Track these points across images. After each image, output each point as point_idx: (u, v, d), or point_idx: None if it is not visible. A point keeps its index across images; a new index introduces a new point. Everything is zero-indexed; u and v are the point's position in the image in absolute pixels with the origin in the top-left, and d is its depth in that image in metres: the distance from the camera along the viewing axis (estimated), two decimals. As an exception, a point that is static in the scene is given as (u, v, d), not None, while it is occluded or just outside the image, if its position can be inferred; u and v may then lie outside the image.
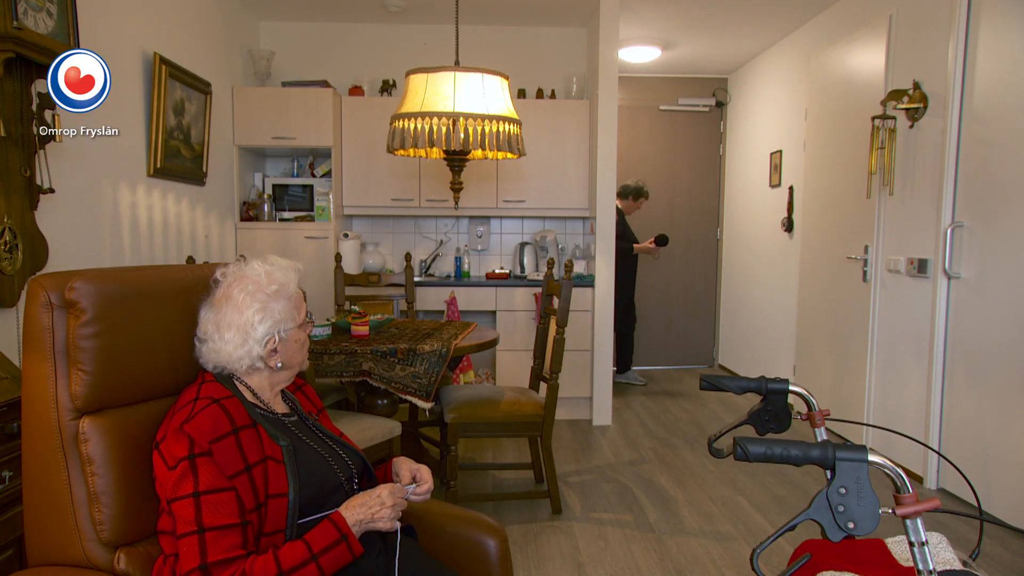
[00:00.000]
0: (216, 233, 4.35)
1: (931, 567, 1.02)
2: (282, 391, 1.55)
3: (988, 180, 3.22)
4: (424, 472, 1.54)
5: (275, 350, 1.44)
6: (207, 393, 1.35)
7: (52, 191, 2.49)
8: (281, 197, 4.88)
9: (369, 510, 1.36)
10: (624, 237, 5.40)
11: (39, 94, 2.31)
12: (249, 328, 1.40)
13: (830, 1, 4.56)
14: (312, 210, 4.84)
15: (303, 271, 1.54)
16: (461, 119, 2.85)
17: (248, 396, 1.43)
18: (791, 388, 1.50)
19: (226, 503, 1.24)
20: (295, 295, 1.48)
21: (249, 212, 4.73)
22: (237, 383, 1.43)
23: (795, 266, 5.06)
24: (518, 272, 5.19)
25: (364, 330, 3.20)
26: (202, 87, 3.96)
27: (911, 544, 1.02)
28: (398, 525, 1.40)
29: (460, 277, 5.16)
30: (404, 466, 1.56)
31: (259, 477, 1.29)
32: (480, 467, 3.86)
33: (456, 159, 3.15)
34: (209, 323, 1.41)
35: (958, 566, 1.29)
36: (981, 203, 3.25)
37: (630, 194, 5.67)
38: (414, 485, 1.49)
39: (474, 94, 2.91)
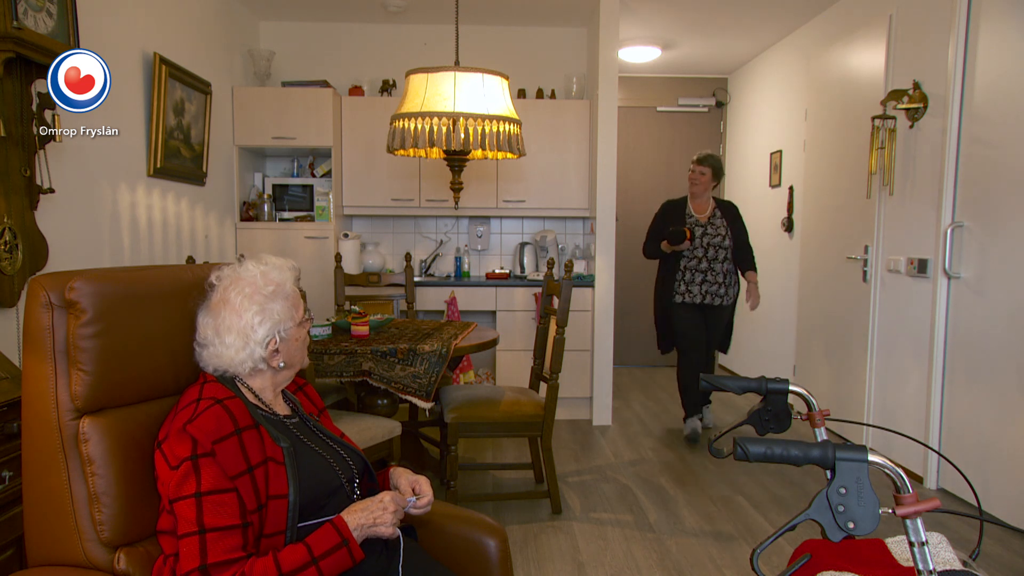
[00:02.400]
0: (216, 233, 4.35)
1: (931, 567, 1.02)
2: (283, 392, 1.54)
3: (988, 180, 3.22)
4: (423, 484, 1.53)
5: (277, 350, 1.44)
6: (210, 393, 1.35)
7: (52, 191, 2.49)
8: (281, 197, 4.88)
9: (371, 515, 1.35)
10: (657, 235, 4.31)
11: (39, 94, 2.32)
12: (249, 331, 1.39)
13: (830, 1, 4.56)
14: (312, 210, 4.84)
15: (299, 268, 1.53)
16: (461, 119, 2.86)
17: (250, 397, 1.43)
18: (791, 388, 1.50)
19: (228, 504, 1.24)
20: (292, 293, 1.47)
21: (249, 212, 4.73)
22: (239, 384, 1.43)
23: (795, 266, 5.07)
24: (518, 272, 5.19)
25: (364, 330, 3.20)
26: (202, 87, 3.96)
27: (911, 544, 1.02)
28: (399, 532, 1.40)
29: (460, 277, 5.16)
30: (403, 478, 1.55)
31: (260, 478, 1.29)
32: (480, 467, 3.86)
33: (456, 159, 3.15)
34: (208, 328, 1.41)
35: (958, 566, 1.29)
36: (981, 203, 3.25)
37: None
38: (414, 498, 1.49)
39: (474, 94, 2.91)
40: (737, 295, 4.39)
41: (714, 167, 4.32)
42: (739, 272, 4.35)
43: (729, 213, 4.34)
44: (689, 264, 4.25)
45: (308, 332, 1.55)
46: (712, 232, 4.24)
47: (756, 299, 4.32)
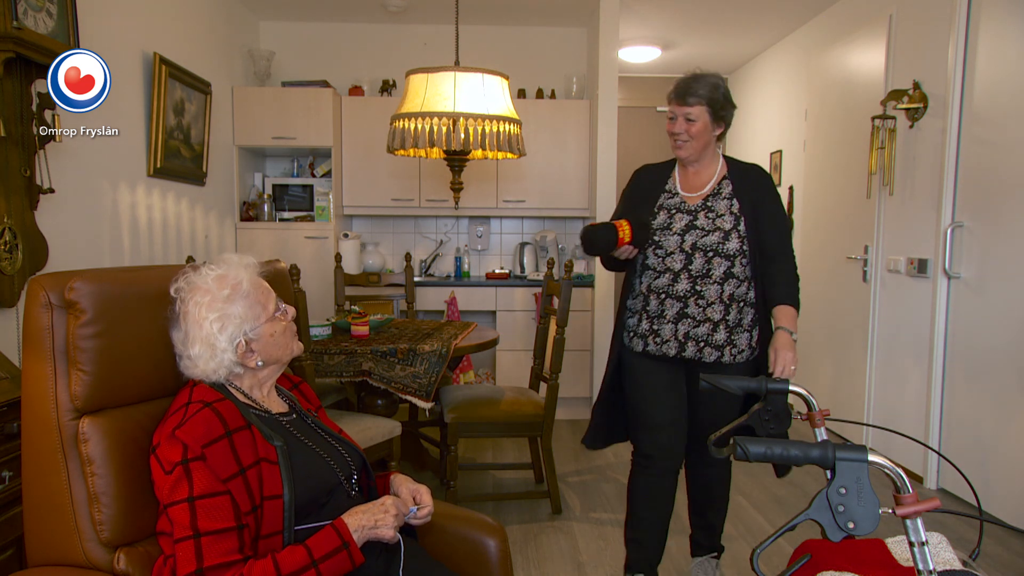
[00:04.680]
0: (216, 233, 4.35)
1: (931, 567, 1.02)
2: (279, 389, 1.54)
3: (988, 180, 3.22)
4: (424, 494, 1.52)
5: (251, 350, 1.41)
6: (199, 397, 1.34)
7: (52, 191, 2.49)
8: (281, 197, 4.88)
9: (372, 516, 1.35)
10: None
11: (39, 94, 2.32)
12: (213, 340, 1.37)
13: (830, 1, 4.56)
14: (312, 210, 4.84)
15: (259, 262, 1.49)
16: (461, 119, 2.86)
17: (240, 397, 1.42)
18: (791, 388, 1.50)
19: (221, 507, 1.23)
20: (253, 290, 1.43)
21: (249, 212, 4.73)
22: (228, 386, 1.42)
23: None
24: (518, 272, 5.19)
25: (364, 330, 3.20)
26: (202, 87, 3.96)
27: (911, 544, 1.02)
28: (399, 536, 1.40)
29: (460, 277, 5.16)
30: (404, 486, 1.54)
31: (254, 479, 1.29)
32: (480, 467, 3.86)
33: (456, 159, 3.15)
34: (178, 342, 1.40)
35: (958, 566, 1.29)
36: (981, 203, 3.25)
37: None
38: (415, 508, 1.49)
39: (474, 94, 2.91)
40: (758, 346, 2.29)
41: (712, 101, 2.23)
42: (759, 303, 2.27)
43: (750, 187, 2.28)
44: (657, 283, 2.27)
45: (291, 320, 1.50)
46: (705, 224, 2.24)
47: (787, 360, 2.12)
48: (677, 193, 2.35)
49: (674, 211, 2.31)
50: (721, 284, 2.23)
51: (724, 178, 2.32)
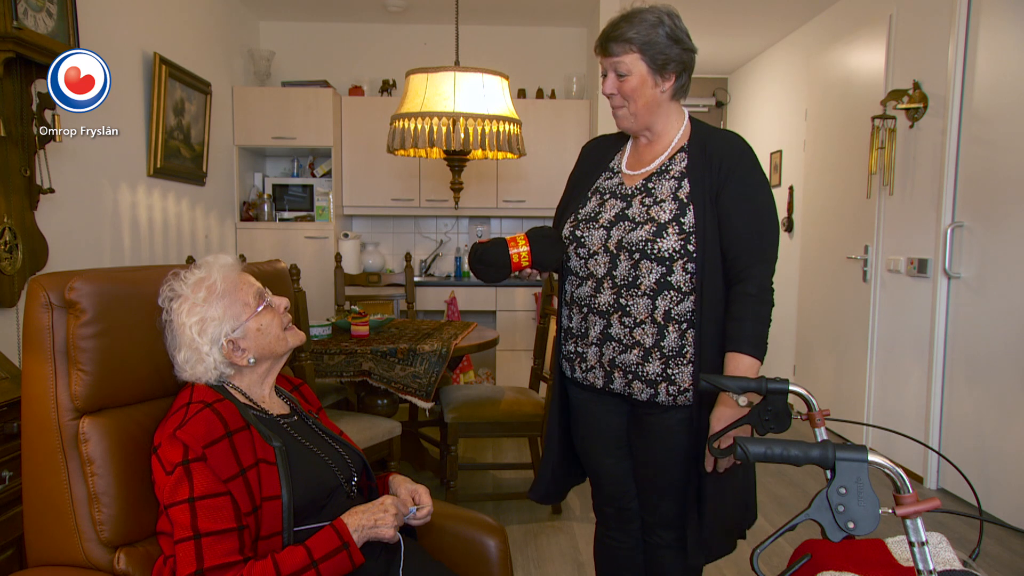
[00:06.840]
0: (216, 233, 4.35)
1: (931, 567, 1.02)
2: (279, 391, 1.54)
3: (988, 180, 3.22)
4: (423, 494, 1.52)
5: (240, 348, 1.40)
6: (199, 397, 1.35)
7: (52, 191, 2.49)
8: (281, 197, 4.88)
9: (372, 516, 1.35)
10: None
11: (39, 94, 2.32)
12: (195, 344, 1.37)
13: (830, 1, 4.56)
14: (312, 210, 4.84)
15: (234, 260, 1.48)
16: (461, 119, 2.86)
17: (240, 398, 1.41)
18: (791, 388, 1.50)
19: (222, 508, 1.23)
20: (231, 289, 1.41)
21: (249, 212, 4.73)
22: (227, 386, 1.42)
23: (795, 266, 5.07)
24: (518, 272, 5.19)
25: (364, 330, 3.20)
26: (202, 87, 3.96)
27: (911, 544, 1.02)
28: (399, 536, 1.40)
29: (460, 277, 5.16)
30: (403, 487, 1.54)
31: (253, 480, 1.29)
32: (480, 467, 3.86)
33: (456, 159, 3.15)
34: (169, 348, 1.41)
35: (958, 566, 1.29)
36: (981, 203, 3.25)
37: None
38: (415, 508, 1.49)
39: (474, 94, 2.91)
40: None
41: (647, 45, 1.71)
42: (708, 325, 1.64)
43: (711, 163, 1.64)
44: (579, 293, 1.74)
45: (284, 311, 1.48)
46: (637, 214, 1.66)
47: (715, 419, 1.58)
48: (617, 172, 1.76)
49: (607, 196, 1.72)
50: (652, 297, 1.62)
51: (681, 150, 1.69)
